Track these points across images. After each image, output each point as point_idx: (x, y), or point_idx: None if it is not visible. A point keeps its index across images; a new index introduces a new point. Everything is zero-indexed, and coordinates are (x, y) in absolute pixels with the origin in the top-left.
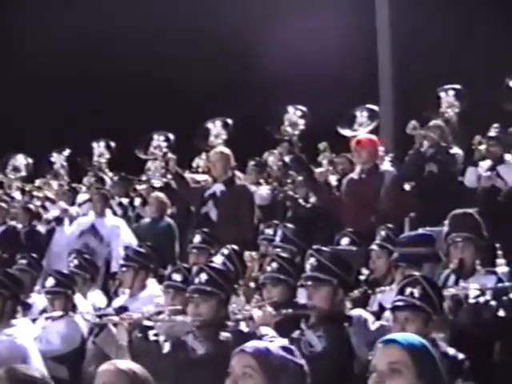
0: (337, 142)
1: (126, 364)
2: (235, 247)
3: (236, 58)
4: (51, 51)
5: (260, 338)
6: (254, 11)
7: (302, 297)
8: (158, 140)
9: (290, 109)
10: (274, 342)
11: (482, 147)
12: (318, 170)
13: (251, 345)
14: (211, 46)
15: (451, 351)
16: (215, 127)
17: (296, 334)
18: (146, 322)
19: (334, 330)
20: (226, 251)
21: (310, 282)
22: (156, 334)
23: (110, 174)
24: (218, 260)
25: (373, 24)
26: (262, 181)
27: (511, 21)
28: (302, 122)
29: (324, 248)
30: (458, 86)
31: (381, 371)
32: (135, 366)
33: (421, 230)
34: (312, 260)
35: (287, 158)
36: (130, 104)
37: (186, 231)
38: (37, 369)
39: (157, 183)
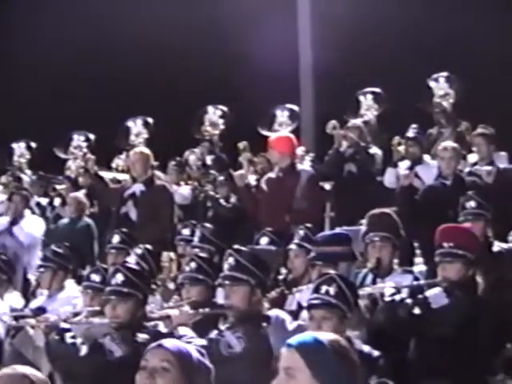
0: (258, 141)
1: (25, 369)
2: (148, 246)
3: (157, 57)
4: None
5: (178, 338)
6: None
7: (220, 297)
8: (78, 140)
9: (210, 109)
10: (191, 343)
11: (401, 148)
12: (236, 174)
13: (169, 341)
14: (134, 45)
15: (366, 348)
16: (136, 126)
17: (214, 334)
18: (63, 324)
19: (252, 330)
20: (139, 251)
21: (227, 282)
22: (73, 337)
23: (29, 173)
24: (131, 260)
25: (295, 24)
26: (184, 179)
27: (430, 21)
28: (222, 121)
29: (242, 248)
30: (376, 90)
31: (278, 376)
32: (33, 372)
33: (337, 230)
34: (230, 260)
35: (208, 158)
36: (50, 104)
37: (105, 231)
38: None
39: (77, 184)
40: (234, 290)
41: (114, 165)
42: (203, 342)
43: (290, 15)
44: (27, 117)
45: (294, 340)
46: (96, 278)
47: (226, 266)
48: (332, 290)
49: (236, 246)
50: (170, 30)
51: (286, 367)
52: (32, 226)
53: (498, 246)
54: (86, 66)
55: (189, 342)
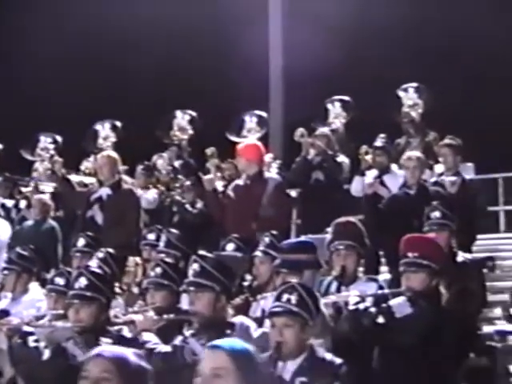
0: (226, 147)
1: None
2: (111, 250)
3: (126, 61)
4: None
5: (142, 344)
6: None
7: (185, 302)
8: (45, 142)
9: (179, 113)
10: (129, 349)
11: (369, 157)
12: (205, 178)
13: (108, 349)
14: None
15: (329, 356)
16: (104, 129)
17: (179, 340)
18: (26, 328)
19: (217, 337)
20: (101, 254)
21: (192, 288)
22: (36, 340)
23: None
24: (93, 264)
25: (265, 30)
26: (150, 185)
27: (401, 30)
28: (190, 126)
29: (208, 254)
30: (344, 98)
31: (204, 375)
32: None
33: (303, 237)
34: (195, 266)
35: (176, 163)
36: (17, 105)
37: (70, 235)
38: None
39: (43, 186)
40: (199, 296)
41: (82, 167)
42: (168, 348)
43: (261, 23)
44: None
45: (221, 342)
46: (60, 281)
47: (191, 272)
48: (293, 299)
49: (201, 252)
50: (132, 32)
51: (214, 367)
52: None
53: (462, 256)
54: (56, 69)
55: (152, 349)
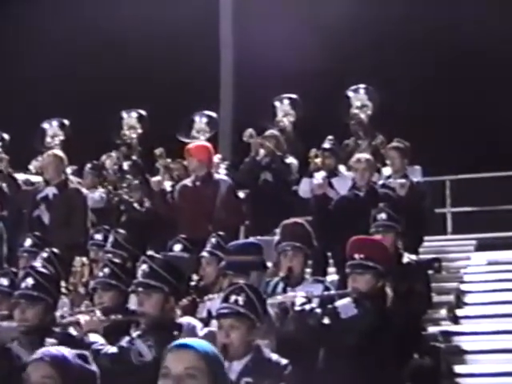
0: (176, 146)
1: None
2: (55, 250)
3: (76, 57)
4: None
5: (88, 345)
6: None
7: (133, 303)
8: None
9: (124, 114)
10: (101, 350)
11: (318, 160)
12: (153, 179)
13: (48, 352)
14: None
15: (274, 357)
16: (51, 128)
17: (125, 341)
18: None
19: (164, 339)
20: (45, 254)
21: (141, 289)
22: None
23: None
24: (37, 264)
25: (216, 30)
26: (98, 185)
27: (348, 28)
28: (139, 125)
29: (156, 255)
30: (293, 96)
31: (177, 375)
32: None
33: (250, 239)
34: (144, 266)
35: (125, 164)
36: None
37: (16, 234)
38: None
39: None
40: (148, 297)
41: (31, 167)
42: (114, 349)
43: (211, 17)
44: None
45: (191, 342)
46: (4, 281)
47: (139, 273)
48: (241, 300)
49: (150, 253)
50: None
51: (187, 367)
52: None
53: (407, 257)
54: (4, 66)
55: (99, 350)
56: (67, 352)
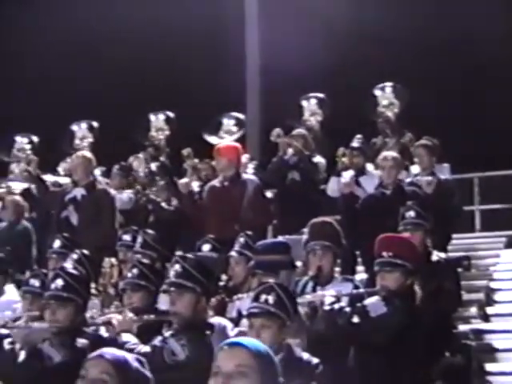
0: (203, 147)
1: None
2: (85, 251)
3: (102, 60)
4: None
5: (121, 344)
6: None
7: (162, 303)
8: (22, 142)
9: (152, 116)
10: (130, 353)
11: (345, 159)
12: (181, 181)
13: (109, 352)
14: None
15: (305, 356)
16: (80, 130)
17: (158, 341)
18: (1, 330)
19: (196, 338)
20: (75, 255)
21: (173, 289)
22: (12, 342)
23: None
24: (68, 265)
25: (241, 31)
26: (126, 186)
27: (380, 28)
28: (167, 126)
29: (189, 255)
30: (320, 95)
31: (227, 372)
32: None
33: (279, 238)
34: (177, 266)
35: (153, 165)
36: None
37: (44, 236)
38: None
39: (17, 187)
40: (180, 297)
41: (60, 169)
42: (147, 348)
43: (237, 21)
44: None
45: (244, 341)
46: (35, 282)
47: (172, 273)
48: (271, 299)
49: (181, 253)
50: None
51: (239, 364)
52: None
53: (436, 255)
54: (33, 69)
55: (132, 349)
56: (127, 354)
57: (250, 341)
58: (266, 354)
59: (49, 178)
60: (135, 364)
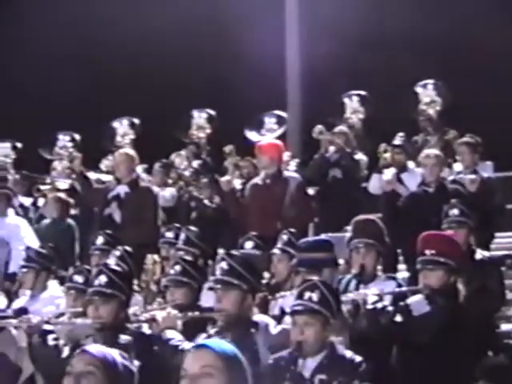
0: (244, 145)
1: None
2: (127, 248)
3: (144, 58)
4: None
5: (166, 341)
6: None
7: (204, 300)
8: (64, 140)
9: (195, 113)
10: (179, 346)
11: (387, 155)
12: (223, 179)
13: (93, 347)
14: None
15: (349, 354)
16: (122, 126)
17: (203, 338)
18: (46, 326)
19: (241, 336)
20: (117, 252)
21: (219, 286)
22: (56, 338)
23: (13, 173)
24: (110, 261)
25: (281, 28)
26: (169, 181)
27: (420, 26)
28: (208, 125)
29: (235, 252)
30: (362, 92)
31: (193, 374)
32: None
33: (322, 236)
34: (223, 264)
35: (195, 163)
36: (37, 104)
37: (88, 232)
38: None
39: (61, 185)
40: (226, 294)
41: (102, 166)
42: (191, 345)
43: (277, 19)
44: (13, 117)
45: (210, 342)
46: (79, 279)
47: (217, 270)
48: (315, 296)
49: (223, 251)
50: (154, 31)
51: (203, 365)
52: (15, 226)
53: (480, 253)
54: (73, 67)
55: (176, 346)
56: (111, 350)
57: (216, 342)
58: (233, 355)
59: (91, 175)
60: (119, 358)
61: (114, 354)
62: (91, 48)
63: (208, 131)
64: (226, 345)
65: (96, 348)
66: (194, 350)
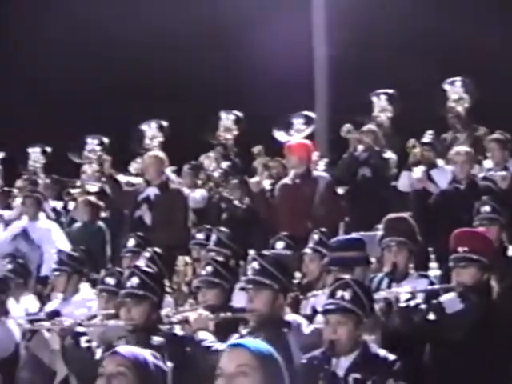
0: (273, 145)
1: None
2: (157, 249)
3: (170, 60)
4: None
5: (198, 342)
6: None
7: (236, 300)
8: (92, 144)
9: (223, 114)
10: (211, 347)
11: (417, 150)
12: (252, 180)
13: (124, 348)
14: (145, 49)
15: (382, 352)
16: (150, 129)
17: (235, 338)
18: (78, 328)
19: (273, 336)
20: (147, 254)
21: (251, 286)
22: (88, 340)
23: (43, 177)
24: (140, 263)
25: (309, 26)
26: (199, 182)
27: (446, 22)
28: (235, 126)
29: (266, 252)
30: (390, 91)
31: (229, 373)
32: None
33: (353, 235)
34: (254, 264)
35: (224, 164)
36: (65, 107)
37: (119, 235)
38: None
39: (91, 188)
40: (258, 294)
41: (131, 169)
42: (224, 346)
43: (303, 17)
44: (42, 122)
45: (246, 341)
46: (111, 281)
47: (249, 271)
48: (347, 295)
49: (254, 251)
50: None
51: (239, 364)
52: (46, 230)
53: None
54: (99, 70)
55: (209, 347)
56: (142, 350)
57: (252, 342)
58: (269, 354)
59: (121, 178)
60: (151, 358)
61: (146, 354)
62: (118, 51)
63: (235, 133)
64: (261, 344)
65: (127, 349)
66: (229, 349)
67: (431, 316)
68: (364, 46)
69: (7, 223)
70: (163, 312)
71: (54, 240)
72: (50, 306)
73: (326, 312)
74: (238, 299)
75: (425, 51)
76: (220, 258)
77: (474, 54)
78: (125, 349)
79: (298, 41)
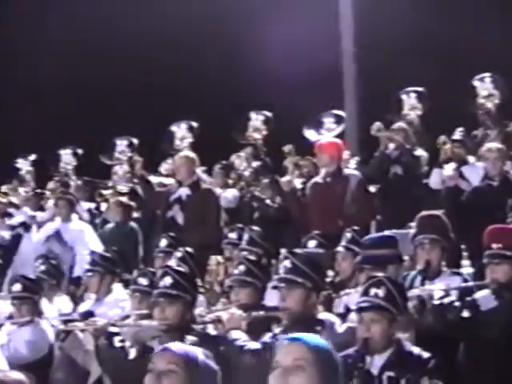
0: (303, 144)
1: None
2: (189, 249)
3: (197, 61)
4: None
5: (231, 341)
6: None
7: (269, 299)
8: (122, 145)
9: (253, 115)
10: (244, 346)
11: (447, 147)
12: (283, 179)
13: (176, 345)
14: (172, 49)
15: (416, 350)
16: (180, 130)
17: (268, 337)
18: (112, 328)
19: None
20: (179, 254)
21: (283, 285)
22: (122, 340)
23: (75, 179)
24: (172, 263)
25: (337, 27)
26: (230, 182)
27: (474, 22)
28: (265, 127)
29: (299, 251)
30: (419, 89)
31: (285, 367)
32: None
33: (386, 232)
34: (287, 262)
35: (254, 164)
36: (97, 110)
37: (150, 235)
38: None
39: (123, 189)
40: (290, 292)
41: (162, 169)
42: (257, 345)
43: (331, 17)
44: (73, 124)
45: (303, 336)
46: (143, 281)
47: (281, 269)
48: (381, 293)
49: (290, 250)
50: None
51: (296, 358)
52: (79, 231)
53: None
54: (131, 71)
55: (242, 346)
56: (194, 348)
57: (309, 336)
58: (325, 349)
59: (153, 178)
60: (201, 356)
61: (198, 352)
62: (148, 52)
63: (264, 133)
64: (319, 339)
65: (178, 346)
66: (287, 343)
67: (465, 313)
68: (393, 44)
69: (40, 225)
70: (196, 311)
71: (86, 241)
72: (83, 307)
73: (359, 310)
74: (271, 298)
75: (454, 48)
76: (252, 257)
77: (504, 51)
78: (176, 346)
79: (327, 42)
